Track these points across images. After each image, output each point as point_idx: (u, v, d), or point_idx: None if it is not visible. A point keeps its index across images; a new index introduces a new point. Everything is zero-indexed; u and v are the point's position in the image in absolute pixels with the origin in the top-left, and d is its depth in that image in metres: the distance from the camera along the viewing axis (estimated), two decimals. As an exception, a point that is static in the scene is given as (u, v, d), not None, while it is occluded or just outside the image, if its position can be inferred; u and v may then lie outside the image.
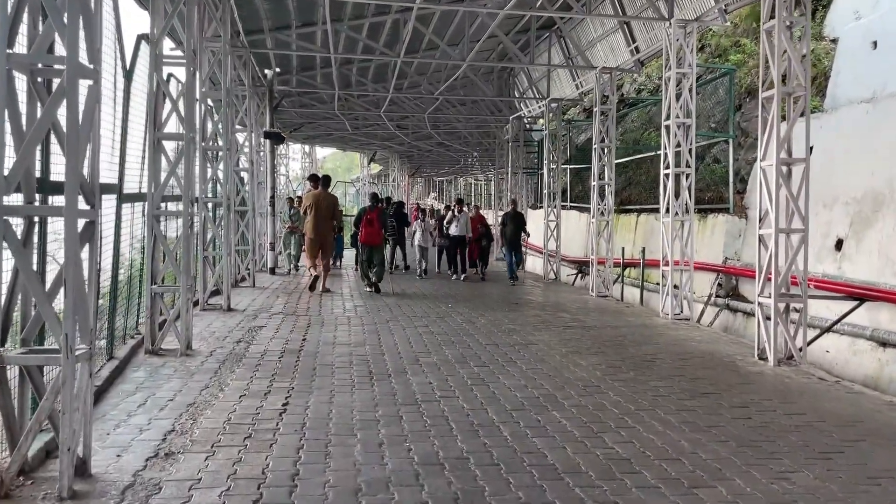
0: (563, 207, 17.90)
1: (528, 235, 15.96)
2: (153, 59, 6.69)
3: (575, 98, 18.21)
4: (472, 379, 6.43)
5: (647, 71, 17.27)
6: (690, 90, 10.63)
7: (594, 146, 14.03)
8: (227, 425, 4.82)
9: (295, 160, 35.01)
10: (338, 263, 17.60)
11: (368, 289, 12.85)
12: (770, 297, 7.46)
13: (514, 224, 15.20)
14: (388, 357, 7.26)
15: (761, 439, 4.92)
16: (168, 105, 7.15)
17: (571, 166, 19.12)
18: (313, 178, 13.42)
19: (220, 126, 9.97)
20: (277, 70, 16.68)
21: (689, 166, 10.66)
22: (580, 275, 17.27)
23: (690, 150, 10.66)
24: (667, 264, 10.77)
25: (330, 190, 12.85)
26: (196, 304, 9.97)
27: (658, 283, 13.04)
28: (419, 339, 8.35)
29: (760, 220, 7.68)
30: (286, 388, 5.87)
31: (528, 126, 22.91)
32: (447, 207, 17.87)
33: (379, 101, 20.91)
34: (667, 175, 10.82)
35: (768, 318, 7.55)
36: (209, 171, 10.23)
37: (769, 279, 7.52)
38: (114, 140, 6.02)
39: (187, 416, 4.99)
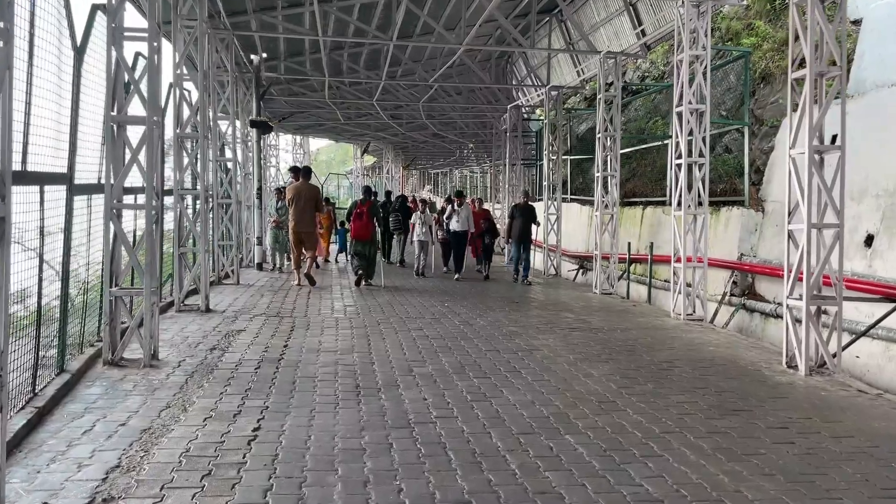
0: (564, 200, 17.18)
1: (539, 225, 14.41)
2: (110, 33, 5.90)
3: (576, 85, 17.46)
4: (472, 393, 5.70)
5: (651, 57, 16.52)
6: (704, 74, 9.88)
7: (598, 135, 13.29)
8: (185, 458, 4.08)
9: (287, 151, 34.19)
10: (338, 258, 17.53)
11: (358, 283, 12.56)
12: (801, 298, 6.74)
13: (525, 218, 13.71)
14: (378, 366, 6.52)
15: (811, 471, 4.21)
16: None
17: (572, 157, 18.37)
18: (294, 171, 13.12)
19: (198, 112, 9.17)
20: (264, 56, 15.86)
21: (703, 156, 9.93)
22: (581, 270, 16.55)
23: (704, 139, 9.93)
24: (679, 261, 10.05)
25: (322, 182, 14.10)
26: (171, 305, 9.22)
27: (666, 281, 12.34)
28: (413, 344, 7.61)
29: (790, 213, 6.96)
30: (259, 407, 5.13)
31: (526, 115, 22.13)
32: (447, 200, 16.56)
33: (371, 90, 20.13)
34: (679, 165, 10.09)
35: (798, 322, 6.84)
36: (186, 160, 9.44)
37: (800, 279, 6.80)
38: (60, 124, 5.25)
39: (139, 447, 4.24)
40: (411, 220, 14.39)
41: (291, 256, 12.79)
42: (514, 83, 21.45)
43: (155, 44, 6.23)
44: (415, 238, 14.49)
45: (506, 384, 6.05)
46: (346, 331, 8.29)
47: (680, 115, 10.02)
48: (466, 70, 21.13)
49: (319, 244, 14.80)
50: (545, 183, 16.85)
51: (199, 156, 9.11)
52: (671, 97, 15.13)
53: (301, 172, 12.34)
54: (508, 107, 19.97)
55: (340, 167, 61.06)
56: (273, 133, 25.10)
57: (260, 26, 13.26)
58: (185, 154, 9.22)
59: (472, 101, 22.54)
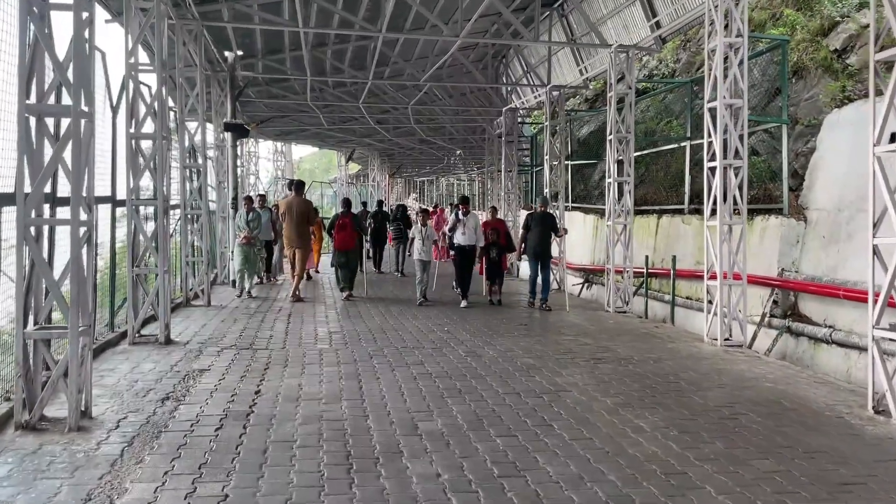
0: (566, 208, 15.90)
1: (566, 232, 12.55)
2: (23, 5, 4.53)
3: (579, 85, 16.23)
4: (498, 464, 4.36)
5: (659, 55, 15.34)
6: (741, 64, 8.65)
7: (609, 137, 12.04)
8: None
9: (268, 160, 32.70)
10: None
11: (343, 294, 12.49)
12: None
13: (543, 228, 11.46)
14: (373, 422, 5.16)
15: None
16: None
17: (574, 162, 17.11)
18: (290, 185, 14.11)
19: (154, 109, 7.79)
20: (240, 53, 14.50)
21: (740, 157, 8.69)
22: (587, 284, 15.27)
23: (741, 137, 8.69)
24: (713, 277, 8.79)
25: (306, 191, 13.27)
26: (125, 336, 7.80)
27: (689, 298, 11.10)
28: (414, 385, 6.26)
29: (875, 225, 5.70)
30: (216, 496, 3.76)
31: (521, 119, 20.88)
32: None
33: (357, 92, 18.80)
34: (712, 169, 8.84)
35: (888, 356, 5.57)
36: (142, 165, 8.03)
37: (891, 304, 5.55)
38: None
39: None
40: (410, 235, 12.19)
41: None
42: (509, 84, 20.18)
43: (85, 15, 4.85)
44: (415, 257, 12.07)
45: (538, 446, 4.72)
46: (333, 368, 6.91)
47: (713, 111, 8.78)
48: (458, 72, 19.88)
49: (310, 256, 14.41)
50: (546, 190, 15.56)
51: (156, 160, 7.71)
52: (685, 95, 14.00)
53: (294, 186, 12.72)
54: (504, 109, 18.70)
55: (324, 176, 59.41)
56: (252, 139, 23.72)
57: (233, 16, 11.89)
58: (140, 158, 7.81)
59: (463, 104, 21.29)
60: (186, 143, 11.26)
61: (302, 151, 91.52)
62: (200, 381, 6.22)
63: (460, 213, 12.00)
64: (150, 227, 8.55)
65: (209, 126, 16.35)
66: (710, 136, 8.87)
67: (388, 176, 39.36)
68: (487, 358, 7.58)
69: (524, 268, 13.36)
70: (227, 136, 14.52)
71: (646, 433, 5.07)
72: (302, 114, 21.75)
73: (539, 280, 11.53)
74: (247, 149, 23.64)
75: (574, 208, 16.64)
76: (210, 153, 15.97)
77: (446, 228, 12.42)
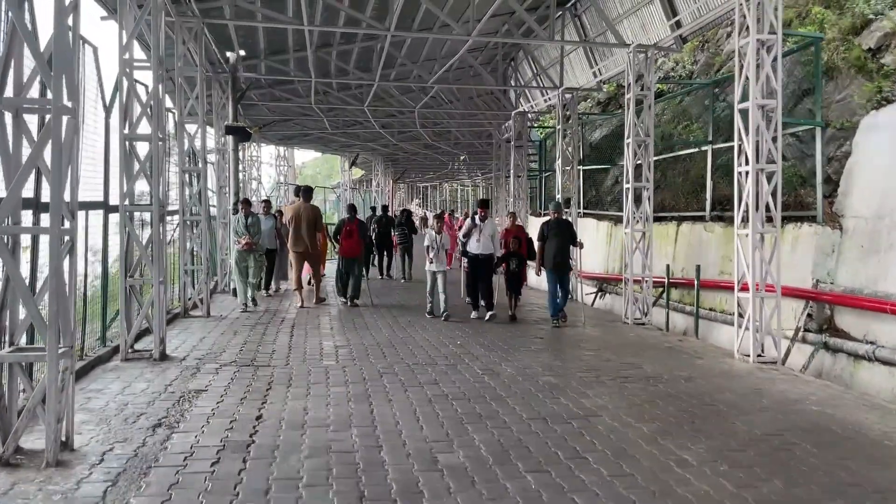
0: (579, 215, 15.38)
1: (582, 246, 11.12)
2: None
3: (592, 87, 15.71)
4: (533, 508, 3.83)
5: (676, 57, 14.83)
6: (774, 62, 8.14)
7: (626, 140, 11.51)
8: None
9: (271, 165, 32.18)
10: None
11: (343, 301, 12.31)
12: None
13: (561, 238, 10.40)
14: (387, 454, 4.63)
15: None
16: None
17: (586, 167, 16.59)
18: (297, 192, 13.64)
19: (150, 109, 7.27)
20: (242, 53, 14.02)
21: (774, 161, 8.16)
22: (601, 294, 14.73)
23: (775, 140, 8.17)
24: (744, 289, 8.26)
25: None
26: (116, 352, 7.28)
27: (712, 310, 10.57)
28: (430, 409, 5.72)
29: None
30: (210, 553, 3.23)
31: (531, 123, 20.38)
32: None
33: (363, 95, 18.31)
34: (743, 174, 8.32)
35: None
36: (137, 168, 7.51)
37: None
38: None
39: None
40: (425, 244, 10.69)
41: (293, 281, 12.49)
42: (519, 87, 19.66)
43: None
44: (427, 267, 10.80)
45: (575, 485, 4.18)
46: (340, 388, 6.37)
47: (744, 113, 8.26)
48: (465, 75, 19.41)
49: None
50: (558, 195, 15.05)
51: (151, 162, 7.20)
52: (705, 98, 13.48)
53: (301, 192, 12.46)
54: (513, 113, 18.20)
55: (327, 181, 59.01)
56: (254, 143, 23.26)
57: (235, 14, 11.40)
58: (136, 161, 7.30)
59: (470, 108, 20.80)
60: (186, 146, 10.75)
61: (304, 157, 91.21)
62: (196, 403, 5.69)
63: (477, 217, 10.78)
64: (147, 233, 8.05)
65: (210, 129, 15.89)
66: (740, 139, 8.36)
67: (392, 181, 38.87)
68: (506, 376, 7.04)
69: (531, 275, 12.26)
70: (229, 139, 14.03)
71: (692, 468, 4.53)
72: (305, 118, 21.28)
73: (557, 293, 10.56)
74: (249, 153, 23.14)
75: (586, 215, 16.12)
76: (211, 157, 15.50)
77: (460, 235, 11.27)
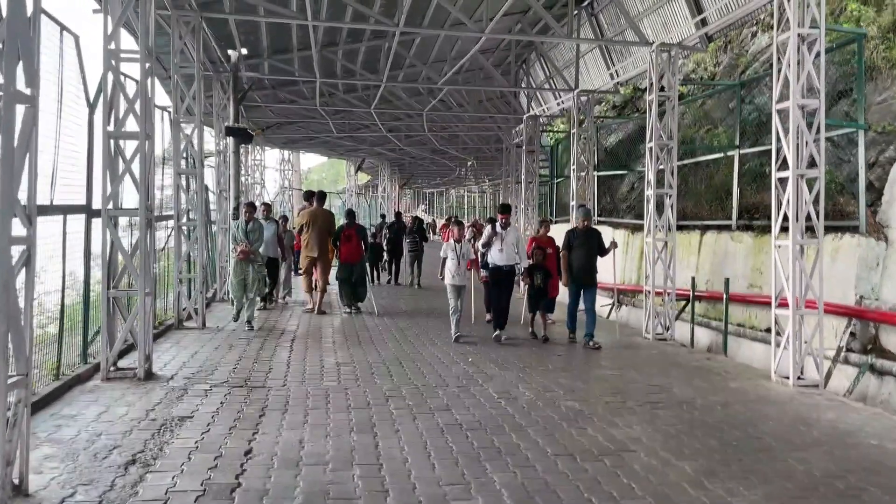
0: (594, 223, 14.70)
1: (615, 246, 10.04)
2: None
3: (609, 89, 15.07)
4: (571, 579, 3.16)
5: (696, 58, 14.17)
6: (816, 59, 7.49)
7: (648, 144, 10.86)
8: None
9: (276, 170, 31.59)
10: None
11: (348, 310, 11.93)
12: None
13: (588, 248, 9.44)
14: (395, 499, 3.97)
15: None
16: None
17: (601, 173, 15.93)
18: (308, 196, 13.09)
19: (137, 104, 6.66)
20: (244, 52, 13.44)
21: (816, 166, 7.50)
22: (616, 305, 14.04)
23: (817, 142, 7.50)
24: (783, 305, 7.58)
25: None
26: (97, 370, 6.65)
27: (740, 325, 9.88)
28: (442, 443, 5.07)
29: None
30: None
31: (543, 127, 19.74)
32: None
33: (369, 98, 17.72)
34: (781, 180, 7.66)
35: None
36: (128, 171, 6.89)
37: None
38: None
39: None
40: (441, 254, 9.62)
41: (302, 285, 12.31)
42: (532, 89, 19.01)
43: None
44: (447, 281, 9.52)
45: (618, 545, 3.52)
46: (342, 414, 5.72)
47: (783, 114, 7.61)
48: (475, 77, 18.80)
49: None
50: (572, 202, 14.41)
51: (137, 163, 6.58)
52: (729, 100, 12.83)
53: (315, 197, 12.21)
54: (525, 117, 17.58)
55: (332, 187, 58.33)
56: (258, 147, 22.70)
57: (235, 8, 10.80)
58: (121, 161, 6.69)
59: (480, 111, 20.19)
60: (182, 147, 10.15)
61: (310, 162, 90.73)
62: (179, 434, 5.05)
63: (498, 224, 9.55)
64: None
65: (210, 130, 15.32)
66: (778, 141, 7.70)
67: (399, 187, 38.29)
68: (524, 401, 6.38)
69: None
70: (230, 141, 13.45)
71: (752, 521, 3.86)
72: (310, 120, 20.71)
73: (581, 309, 9.52)
74: (252, 157, 22.58)
75: (601, 222, 15.45)
76: (211, 161, 14.92)
77: (479, 244, 10.00)
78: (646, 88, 13.70)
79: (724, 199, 11.44)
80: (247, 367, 7.44)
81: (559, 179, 20.04)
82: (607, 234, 14.86)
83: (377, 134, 22.44)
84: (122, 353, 7.19)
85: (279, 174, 29.69)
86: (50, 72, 5.88)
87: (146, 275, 6.59)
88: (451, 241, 9.58)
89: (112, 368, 6.63)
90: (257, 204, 20.26)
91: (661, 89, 10.87)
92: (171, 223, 10.14)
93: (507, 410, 6.01)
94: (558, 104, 18.40)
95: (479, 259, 10.30)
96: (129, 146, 6.79)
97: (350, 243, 11.80)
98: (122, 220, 8.47)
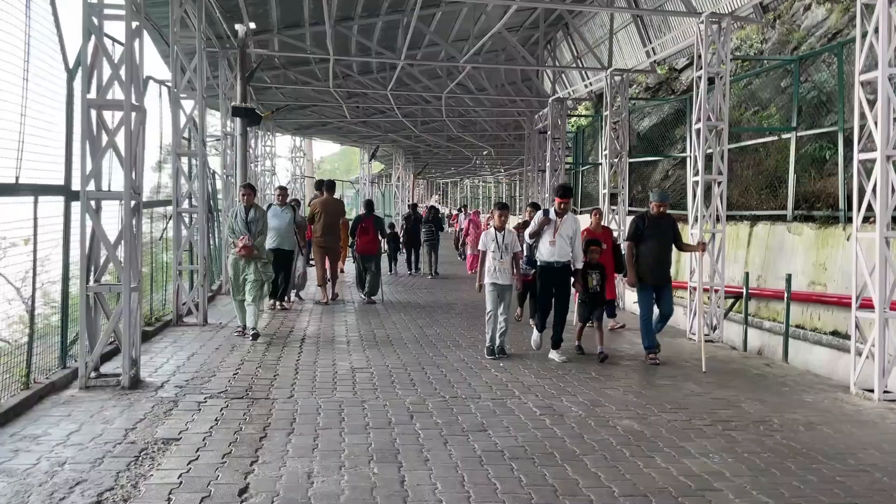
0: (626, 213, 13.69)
1: (704, 249, 8.51)
2: None
3: (646, 69, 14.00)
4: None
5: (740, 34, 13.09)
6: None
7: (696, 125, 9.83)
8: None
9: (287, 158, 30.67)
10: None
11: (363, 298, 11.79)
12: None
13: (663, 239, 7.75)
14: (430, 568, 3.04)
15: None
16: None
17: (633, 159, 14.87)
18: (318, 186, 13.00)
19: (122, 70, 5.72)
20: (252, 26, 12.50)
21: (909, 147, 6.45)
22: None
23: (911, 119, 6.46)
24: (865, 307, 6.57)
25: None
26: (75, 377, 5.75)
27: (800, 327, 8.84)
28: (482, 476, 4.12)
29: None
30: None
31: (570, 111, 18.64)
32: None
33: (386, 80, 16.74)
34: (866, 163, 6.62)
35: None
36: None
37: None
38: None
39: None
40: (481, 247, 7.66)
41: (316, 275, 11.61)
42: (559, 68, 17.91)
43: None
44: (487, 280, 7.58)
45: None
46: (358, 436, 4.78)
47: (867, 85, 6.56)
48: (496, 59, 17.76)
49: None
50: (603, 190, 13.39)
51: (123, 140, 5.65)
52: (780, 79, 11.79)
53: (325, 186, 12.08)
54: (550, 100, 16.52)
55: (345, 177, 57.35)
56: (268, 132, 21.79)
57: (242, -26, 9.86)
58: (104, 135, 5.77)
59: (501, 94, 19.14)
60: (182, 124, 9.23)
61: (323, 151, 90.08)
62: (161, 463, 4.13)
63: (552, 209, 7.61)
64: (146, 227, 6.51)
65: (216, 112, 14.43)
66: (862, 118, 6.66)
67: (413, 176, 37.32)
68: (572, 417, 5.42)
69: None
70: (237, 123, 12.53)
71: None
72: (323, 105, 19.78)
73: (654, 318, 7.79)
74: (263, 143, 21.66)
75: (632, 212, 14.41)
76: (218, 144, 14.06)
77: (526, 234, 7.96)
78: (683, 68, 12.66)
79: (777, 187, 10.40)
80: (249, 372, 6.52)
81: (586, 167, 19.00)
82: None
83: (392, 119, 21.48)
84: (111, 356, 6.30)
85: (290, 162, 28.75)
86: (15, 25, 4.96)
87: (131, 267, 5.67)
88: (492, 229, 7.62)
89: (93, 375, 5.74)
90: (269, 188, 19.19)
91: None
92: (168, 210, 9.24)
93: (554, 432, 5.05)
94: (586, 85, 17.34)
95: (527, 252, 8.21)
96: (119, 119, 5.88)
97: (367, 235, 11.67)
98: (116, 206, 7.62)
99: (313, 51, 13.87)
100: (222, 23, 11.97)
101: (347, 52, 14.38)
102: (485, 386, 6.35)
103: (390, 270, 17.35)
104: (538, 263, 7.74)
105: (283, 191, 11.22)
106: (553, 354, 7.59)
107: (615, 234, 10.43)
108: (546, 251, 7.61)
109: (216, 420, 4.99)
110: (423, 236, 17.06)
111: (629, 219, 13.45)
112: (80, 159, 5.58)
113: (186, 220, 9.53)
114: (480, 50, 15.91)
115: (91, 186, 5.64)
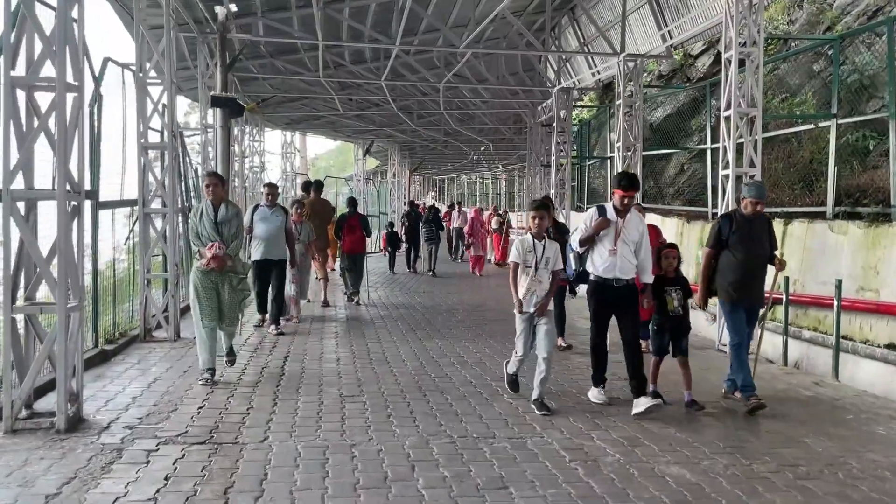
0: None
1: (783, 267, 6.32)
2: None
3: (661, 54, 12.97)
4: None
5: (766, 14, 12.05)
6: None
7: (725, 113, 8.83)
8: None
9: (278, 154, 29.52)
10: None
11: (349, 300, 11.47)
12: None
13: (758, 245, 6.01)
14: None
15: None
16: None
17: (651, 151, 13.85)
18: (306, 187, 12.53)
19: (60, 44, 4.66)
20: (234, 8, 11.42)
21: None
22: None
23: None
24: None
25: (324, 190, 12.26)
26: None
27: (846, 338, 7.83)
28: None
29: None
30: None
31: (575, 102, 17.62)
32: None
33: (380, 70, 15.68)
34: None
35: None
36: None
37: None
38: None
39: None
40: (511, 259, 5.73)
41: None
42: (567, 52, 16.85)
43: None
44: (522, 308, 5.62)
45: None
46: (346, 501, 3.75)
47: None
48: (497, 46, 16.71)
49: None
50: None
51: (62, 128, 4.61)
52: (810, 62, 10.77)
53: (313, 187, 11.82)
54: (555, 90, 15.50)
55: (341, 174, 56.08)
56: (256, 127, 20.73)
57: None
58: (35, 119, 4.72)
59: (502, 85, 18.09)
60: (149, 113, 8.18)
61: (318, 148, 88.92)
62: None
63: (610, 207, 5.71)
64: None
65: (193, 102, 13.38)
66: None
67: (409, 172, 36.24)
68: (608, 464, 4.41)
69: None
70: (217, 114, 11.47)
71: None
72: (314, 97, 18.71)
73: (726, 344, 6.41)
74: (251, 138, 20.57)
75: (646, 209, 13.40)
76: (198, 139, 13.05)
77: (574, 240, 5.92)
78: (699, 54, 11.69)
79: (814, 181, 9.40)
80: (218, 404, 5.49)
81: (591, 161, 18.00)
82: (654, 223, 12.81)
83: (388, 112, 20.42)
84: (43, 392, 5.26)
85: (281, 159, 27.63)
86: None
87: (67, 281, 4.63)
88: (529, 236, 5.68)
89: (23, 414, 4.70)
90: (247, 184, 18.14)
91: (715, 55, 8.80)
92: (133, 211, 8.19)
93: (591, 488, 4.04)
94: (594, 74, 16.30)
95: (574, 263, 5.95)
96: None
97: (353, 234, 11.34)
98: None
99: (301, 35, 12.81)
100: (200, 4, 10.91)
101: (338, 38, 13.32)
102: (499, 419, 5.33)
103: (390, 269, 17.14)
104: (592, 279, 5.74)
105: (272, 188, 9.04)
106: (645, 404, 5.42)
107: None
108: (603, 264, 5.63)
109: (167, 477, 3.96)
110: (423, 235, 17.10)
111: (646, 217, 12.52)
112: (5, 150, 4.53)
113: (159, 221, 8.48)
114: (481, 36, 14.90)
115: (18, 184, 4.60)
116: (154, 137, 8.60)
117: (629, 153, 12.28)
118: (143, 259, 8.07)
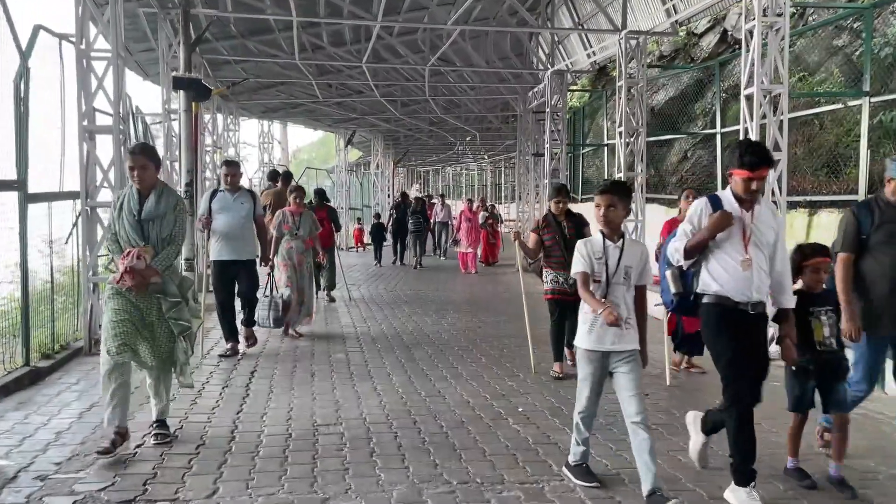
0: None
1: None
2: None
3: (667, 31, 12.01)
4: None
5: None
6: None
7: (747, 91, 7.89)
8: None
9: (255, 146, 28.26)
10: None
11: (331, 300, 10.94)
12: None
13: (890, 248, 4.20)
14: None
15: None
16: None
17: (657, 137, 12.93)
18: (273, 176, 11.92)
19: None
20: (197, -19, 10.33)
21: None
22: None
23: None
24: None
25: (297, 179, 11.70)
26: None
27: None
28: None
29: None
30: None
31: (570, 85, 16.62)
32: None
33: (360, 52, 14.62)
34: None
35: None
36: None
37: None
38: None
39: None
40: (575, 269, 3.79)
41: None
42: (564, 29, 15.84)
43: None
44: (587, 345, 3.79)
45: None
46: None
47: None
48: (485, 26, 15.66)
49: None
50: (618, 174, 11.45)
51: None
52: (829, 39, 9.88)
53: (281, 178, 11.21)
54: (548, 72, 14.51)
55: (323, 166, 54.69)
56: (230, 115, 19.55)
57: None
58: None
59: (490, 71, 17.07)
60: (92, 92, 7.09)
61: (300, 141, 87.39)
62: None
63: (728, 196, 3.74)
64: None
65: (144, 81, 12.31)
66: None
67: (393, 163, 35.13)
68: (652, 523, 3.44)
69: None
70: (179, 96, 10.40)
71: None
72: (291, 82, 17.57)
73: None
74: (226, 129, 19.41)
75: (648, 199, 12.49)
76: (158, 123, 11.98)
77: (672, 248, 3.84)
78: (703, 32, 10.79)
79: (842, 167, 8.52)
80: (153, 453, 4.46)
81: (586, 150, 17.09)
82: (657, 213, 11.89)
83: (370, 99, 19.31)
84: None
85: (259, 150, 26.39)
86: None
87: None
88: (599, 236, 3.84)
89: None
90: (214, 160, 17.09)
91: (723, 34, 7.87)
92: (77, 203, 7.12)
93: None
94: (589, 55, 15.33)
95: (675, 283, 3.85)
96: None
97: (323, 228, 10.13)
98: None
99: (274, 11, 11.71)
100: (158, -26, 9.80)
101: (315, 14, 12.23)
102: (507, 456, 4.37)
103: (376, 261, 17.25)
104: (707, 300, 3.75)
105: (231, 167, 7.03)
106: (740, 498, 3.62)
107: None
108: (730, 279, 3.68)
109: (72, 562, 2.95)
110: (410, 227, 16.94)
111: (648, 208, 11.60)
112: None
113: (107, 217, 7.40)
114: (469, 16, 13.90)
115: None
116: (104, 121, 7.54)
117: (632, 139, 11.34)
118: (86, 260, 7.00)
